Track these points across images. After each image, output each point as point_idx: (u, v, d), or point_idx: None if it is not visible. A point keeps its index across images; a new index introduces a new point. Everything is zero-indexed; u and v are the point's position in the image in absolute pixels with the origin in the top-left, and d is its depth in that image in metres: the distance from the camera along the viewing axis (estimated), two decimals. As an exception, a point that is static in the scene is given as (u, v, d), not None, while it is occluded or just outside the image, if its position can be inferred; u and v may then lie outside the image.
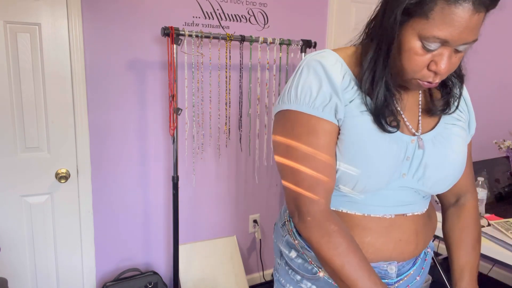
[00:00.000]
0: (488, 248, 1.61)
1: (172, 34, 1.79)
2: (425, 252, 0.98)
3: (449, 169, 0.85)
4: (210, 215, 2.38)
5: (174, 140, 1.93)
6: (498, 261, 1.59)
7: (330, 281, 0.89)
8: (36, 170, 1.86)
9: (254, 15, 2.26)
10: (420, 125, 0.85)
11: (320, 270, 0.89)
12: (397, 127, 0.78)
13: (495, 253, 1.59)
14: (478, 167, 2.04)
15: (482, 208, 1.89)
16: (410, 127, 0.84)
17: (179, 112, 1.90)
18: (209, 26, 2.13)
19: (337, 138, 0.79)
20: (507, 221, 1.73)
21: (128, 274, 2.09)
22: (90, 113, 1.94)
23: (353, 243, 0.77)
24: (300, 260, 0.92)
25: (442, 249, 2.91)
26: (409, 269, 0.93)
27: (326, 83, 0.77)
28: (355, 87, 0.79)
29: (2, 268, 1.87)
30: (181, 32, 1.82)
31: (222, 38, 1.93)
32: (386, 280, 0.90)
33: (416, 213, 0.88)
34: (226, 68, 2.07)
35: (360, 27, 0.83)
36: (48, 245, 1.95)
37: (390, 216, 0.85)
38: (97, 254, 2.08)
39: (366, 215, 0.84)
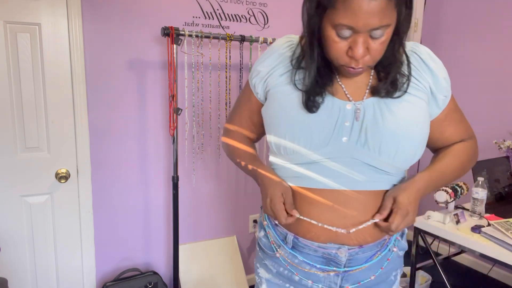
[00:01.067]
0: (488, 248, 1.62)
1: (172, 34, 1.79)
2: (389, 249, 0.93)
3: (395, 134, 0.82)
4: (210, 215, 2.38)
5: (174, 140, 1.93)
6: (498, 261, 1.59)
7: (285, 262, 0.95)
8: (36, 170, 1.86)
9: (254, 15, 2.26)
10: (365, 97, 0.86)
11: (277, 250, 0.96)
12: (316, 109, 0.85)
13: (495, 253, 1.59)
14: (478, 167, 2.04)
15: (482, 208, 1.89)
16: (347, 93, 0.86)
17: (179, 112, 1.90)
18: (209, 26, 2.13)
19: (260, 105, 0.99)
20: (507, 221, 1.73)
21: (128, 274, 2.09)
22: (90, 113, 1.94)
23: (242, 144, 1.05)
24: (265, 240, 1.01)
25: (442, 249, 2.91)
26: (364, 262, 0.90)
27: (265, 59, 0.95)
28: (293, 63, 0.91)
29: (2, 268, 1.87)
30: (181, 32, 1.82)
31: (222, 38, 1.93)
32: (334, 267, 0.90)
33: (368, 190, 0.87)
34: (226, 68, 2.07)
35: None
36: (48, 245, 1.95)
37: (334, 189, 0.87)
38: (97, 254, 2.08)
39: (311, 188, 0.88)
